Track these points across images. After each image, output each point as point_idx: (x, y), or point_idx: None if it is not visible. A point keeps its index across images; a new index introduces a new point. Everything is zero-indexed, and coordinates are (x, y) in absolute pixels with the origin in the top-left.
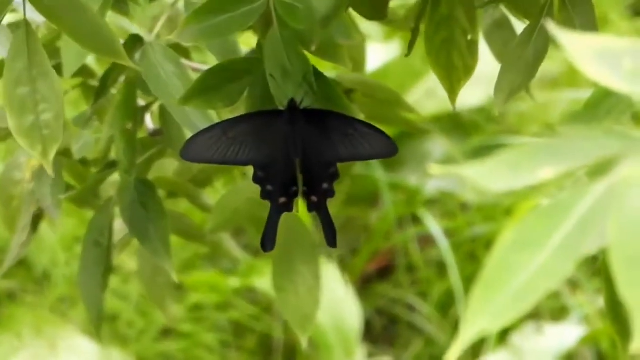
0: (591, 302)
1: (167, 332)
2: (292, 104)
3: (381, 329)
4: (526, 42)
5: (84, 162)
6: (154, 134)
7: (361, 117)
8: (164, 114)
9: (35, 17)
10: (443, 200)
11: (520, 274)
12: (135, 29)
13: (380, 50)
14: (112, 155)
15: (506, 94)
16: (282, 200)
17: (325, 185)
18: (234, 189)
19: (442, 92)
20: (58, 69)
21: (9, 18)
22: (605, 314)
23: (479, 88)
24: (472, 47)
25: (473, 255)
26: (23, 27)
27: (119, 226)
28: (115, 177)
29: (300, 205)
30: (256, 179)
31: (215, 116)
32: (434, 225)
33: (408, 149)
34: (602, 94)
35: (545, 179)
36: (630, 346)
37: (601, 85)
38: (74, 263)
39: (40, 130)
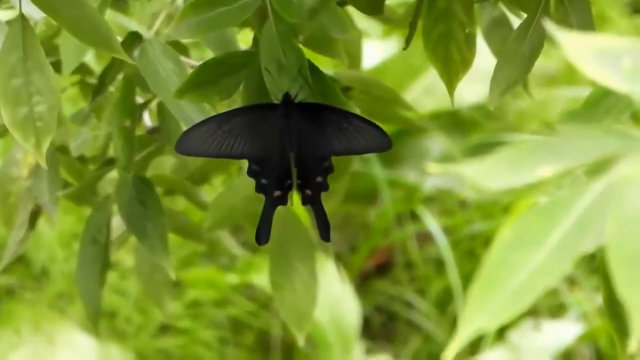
0: (589, 299)
1: (165, 329)
2: (287, 97)
3: (379, 325)
4: (522, 37)
5: (82, 159)
6: (152, 131)
7: (357, 112)
8: (162, 111)
9: (34, 13)
10: (442, 198)
11: (519, 272)
12: (134, 25)
13: (378, 48)
14: (110, 152)
15: (502, 89)
16: (277, 193)
17: (319, 179)
18: (231, 187)
19: (441, 90)
20: (57, 66)
21: (7, 15)
22: (603, 311)
23: (477, 85)
24: (470, 40)
25: (471, 252)
26: (18, 20)
27: (117, 223)
28: (113, 174)
29: (296, 202)
30: (251, 173)
31: (211, 111)
32: (432, 222)
33: (407, 147)
34: (601, 93)
35: (543, 177)
36: (629, 344)
37: (600, 84)
38: (72, 259)
39: (34, 122)
